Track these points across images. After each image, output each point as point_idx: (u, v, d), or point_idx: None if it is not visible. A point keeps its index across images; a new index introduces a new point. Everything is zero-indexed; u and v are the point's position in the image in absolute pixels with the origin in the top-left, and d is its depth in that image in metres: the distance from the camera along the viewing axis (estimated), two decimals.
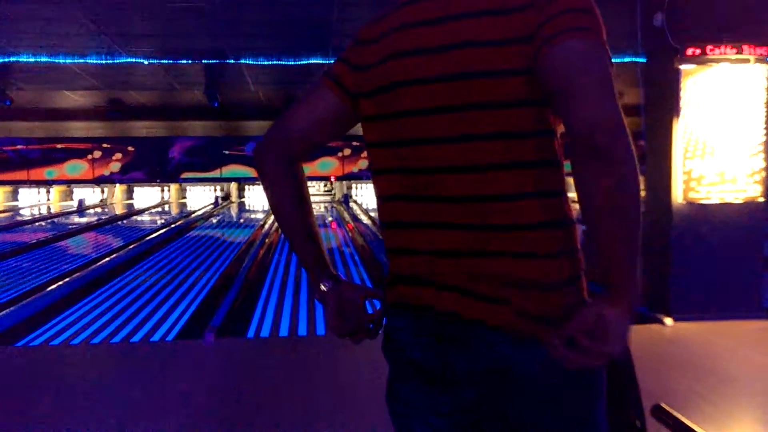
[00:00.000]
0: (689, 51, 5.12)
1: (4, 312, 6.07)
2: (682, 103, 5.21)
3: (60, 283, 7.40)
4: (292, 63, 10.52)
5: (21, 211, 18.48)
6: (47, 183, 20.22)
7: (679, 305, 5.26)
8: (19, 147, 19.44)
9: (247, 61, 10.53)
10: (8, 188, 20.86)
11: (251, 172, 19.95)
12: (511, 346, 1.22)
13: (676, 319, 5.21)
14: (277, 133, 1.44)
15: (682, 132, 5.22)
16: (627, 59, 10.08)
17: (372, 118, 1.38)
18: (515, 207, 1.22)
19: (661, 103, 5.40)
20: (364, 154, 20.22)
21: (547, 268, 1.22)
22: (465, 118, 1.22)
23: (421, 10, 1.29)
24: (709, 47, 5.15)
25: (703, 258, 5.29)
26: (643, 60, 5.80)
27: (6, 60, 10.05)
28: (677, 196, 5.25)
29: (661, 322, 5.21)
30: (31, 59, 10.08)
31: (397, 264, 1.37)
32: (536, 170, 1.22)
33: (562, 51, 1.14)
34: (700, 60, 5.16)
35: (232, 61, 10.59)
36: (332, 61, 1.47)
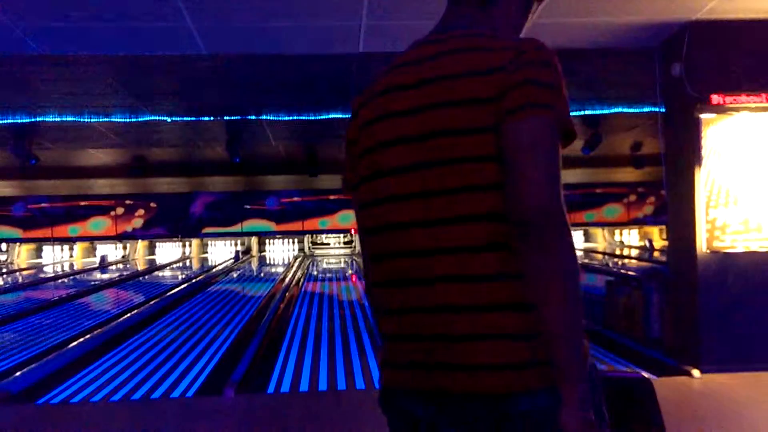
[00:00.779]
0: (713, 99, 5.12)
1: (25, 369, 6.07)
2: (704, 152, 5.19)
3: (81, 339, 7.41)
4: (313, 118, 10.64)
5: (44, 268, 18.64)
6: (71, 240, 20.43)
7: (706, 357, 5.16)
8: (43, 205, 19.72)
9: (268, 117, 10.66)
10: (32, 246, 21.10)
11: (271, 226, 20.06)
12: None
13: (703, 371, 5.10)
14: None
15: (705, 181, 5.19)
16: (646, 109, 10.10)
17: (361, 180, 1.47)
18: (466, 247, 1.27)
19: (682, 153, 5.39)
20: None
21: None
22: (432, 174, 1.29)
23: (399, 75, 1.39)
24: (728, 96, 5.15)
25: (730, 308, 5.20)
26: (662, 110, 5.80)
27: (33, 120, 10.26)
28: (701, 245, 5.18)
29: (689, 374, 5.10)
30: (57, 119, 10.27)
31: None
32: (493, 223, 1.25)
33: (513, 131, 1.22)
34: (721, 109, 5.16)
35: (253, 117, 10.73)
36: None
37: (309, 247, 21.56)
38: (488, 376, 1.23)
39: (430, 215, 1.29)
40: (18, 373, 5.90)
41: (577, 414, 1.18)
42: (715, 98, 5.15)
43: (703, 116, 5.19)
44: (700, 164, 5.20)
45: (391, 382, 1.46)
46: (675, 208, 5.56)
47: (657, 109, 6.03)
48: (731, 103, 5.16)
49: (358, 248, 21.10)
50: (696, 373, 5.09)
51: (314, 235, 21.38)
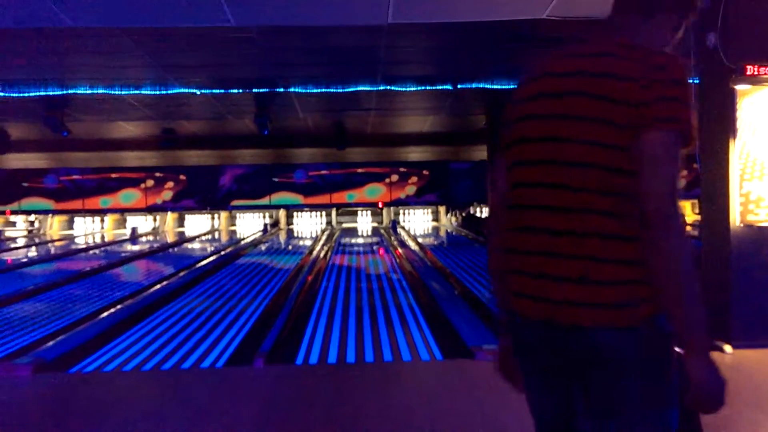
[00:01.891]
0: (748, 70, 4.99)
1: (58, 339, 6.17)
2: (739, 124, 5.08)
3: (112, 310, 7.52)
4: (341, 90, 10.61)
5: (76, 240, 18.91)
6: (102, 212, 20.70)
7: (738, 332, 5.09)
8: (75, 177, 19.99)
9: (296, 89, 10.65)
10: (64, 217, 21.41)
11: (299, 199, 20.15)
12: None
13: (735, 347, 5.03)
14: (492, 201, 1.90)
15: (739, 153, 5.08)
16: None
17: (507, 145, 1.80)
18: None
19: (717, 125, 5.27)
20: (411, 179, 20.26)
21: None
22: (564, 148, 1.61)
23: (557, 62, 1.72)
24: (763, 67, 5.02)
25: (763, 283, 5.11)
26: (696, 81, 5.68)
27: (64, 92, 10.35)
28: (735, 219, 5.09)
29: (721, 350, 5.04)
30: (88, 91, 10.35)
31: None
32: (613, 197, 1.56)
33: (641, 142, 1.51)
34: (757, 80, 5.02)
35: (282, 90, 10.72)
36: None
37: (336, 221, 21.61)
38: (584, 312, 1.55)
39: (558, 180, 1.61)
40: (51, 342, 6.01)
41: (704, 363, 1.51)
42: (750, 69, 5.02)
43: (739, 87, 5.07)
44: (734, 136, 5.09)
45: (512, 306, 1.74)
46: (708, 181, 5.46)
47: (691, 81, 5.90)
48: (765, 74, 5.02)
49: (386, 222, 21.13)
50: (728, 348, 5.03)
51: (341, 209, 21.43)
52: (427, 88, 10.61)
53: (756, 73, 5.01)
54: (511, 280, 1.73)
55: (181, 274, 10.63)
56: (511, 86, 10.34)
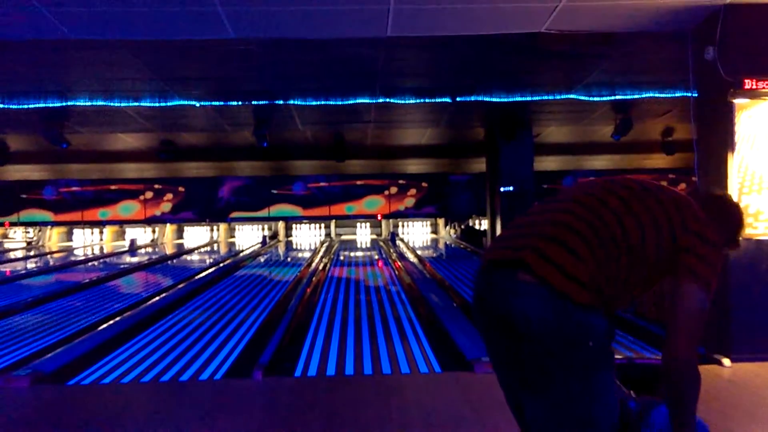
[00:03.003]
0: (747, 84, 5.01)
1: (56, 350, 6.16)
2: (737, 138, 5.10)
3: (111, 322, 7.51)
4: (340, 103, 10.63)
5: (75, 251, 18.89)
6: (100, 224, 20.68)
7: (737, 345, 5.09)
8: (74, 188, 19.98)
9: (296, 102, 10.67)
10: (63, 229, 21.41)
11: (298, 211, 20.14)
12: None
13: (734, 360, 5.03)
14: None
15: (737, 167, 5.10)
16: (678, 94, 9.95)
17: None
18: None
19: (715, 138, 5.29)
20: (410, 192, 20.26)
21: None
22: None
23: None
24: (761, 81, 5.04)
25: (762, 296, 5.11)
26: (694, 95, 5.70)
27: (64, 104, 10.36)
28: None
29: (719, 363, 5.04)
30: (88, 103, 10.37)
31: None
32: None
33: (674, 288, 1.97)
34: (754, 93, 5.05)
35: (281, 102, 10.74)
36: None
37: (335, 233, 21.61)
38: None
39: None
40: (49, 354, 6.00)
41: None
42: (748, 83, 5.04)
43: (737, 101, 5.09)
44: (733, 150, 5.10)
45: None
46: None
47: (689, 94, 5.92)
48: (764, 88, 5.04)
49: (384, 234, 21.13)
50: (726, 361, 5.03)
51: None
52: (426, 100, 10.62)
53: (754, 87, 5.03)
54: None
55: (180, 286, 10.61)
56: (510, 99, 10.38)
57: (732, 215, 2.25)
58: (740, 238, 2.31)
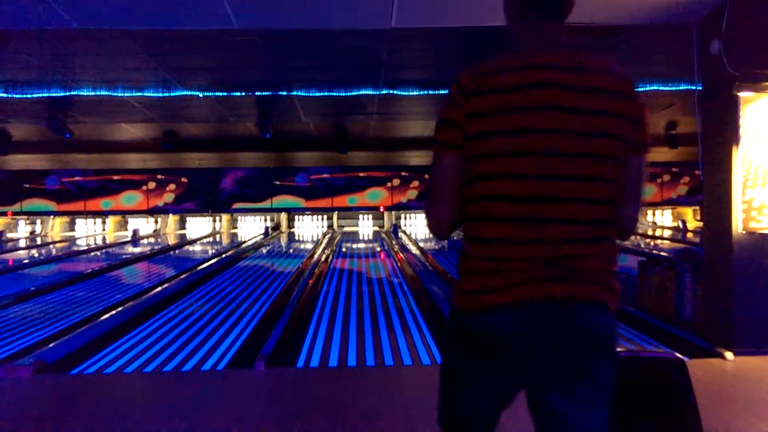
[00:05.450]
0: (752, 77, 4.99)
1: (59, 340, 6.18)
2: (742, 131, 5.08)
3: (113, 312, 7.52)
4: (343, 94, 10.62)
5: (77, 241, 18.91)
6: (103, 214, 20.71)
7: (740, 339, 5.09)
8: (76, 178, 20.00)
9: (299, 93, 10.66)
10: (66, 219, 21.43)
11: (301, 202, 20.14)
12: None
13: (737, 353, 5.03)
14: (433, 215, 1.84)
15: (742, 160, 5.08)
16: (682, 87, 9.92)
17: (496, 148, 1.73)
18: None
19: (719, 132, 5.28)
20: (413, 184, 20.24)
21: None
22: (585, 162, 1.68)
23: (557, 76, 1.67)
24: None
25: (765, 290, 5.11)
26: (699, 88, 5.68)
27: (67, 94, 10.36)
28: (737, 225, 5.09)
29: (722, 356, 5.04)
30: (91, 93, 10.37)
31: None
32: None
33: (637, 165, 1.78)
34: (759, 87, 5.02)
35: (284, 93, 10.73)
36: (438, 130, 1.80)
37: (337, 224, 21.61)
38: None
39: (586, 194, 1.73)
40: (52, 344, 6.01)
41: None
42: (753, 76, 5.02)
43: (742, 94, 5.07)
44: (737, 143, 5.09)
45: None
46: (710, 188, 5.46)
47: (693, 87, 5.90)
48: None
49: (387, 226, 21.12)
50: (729, 355, 5.03)
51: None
52: (430, 92, 10.61)
53: (759, 80, 5.01)
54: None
55: (183, 276, 10.63)
56: None
57: None
58: None
